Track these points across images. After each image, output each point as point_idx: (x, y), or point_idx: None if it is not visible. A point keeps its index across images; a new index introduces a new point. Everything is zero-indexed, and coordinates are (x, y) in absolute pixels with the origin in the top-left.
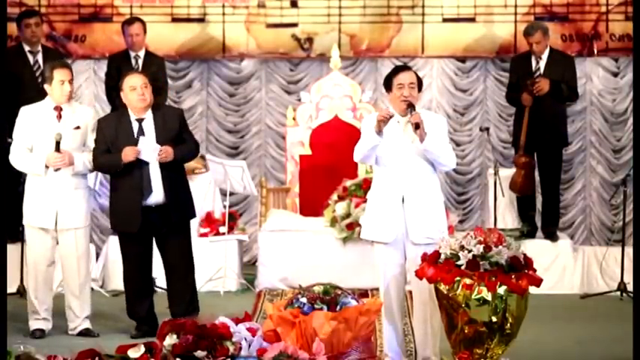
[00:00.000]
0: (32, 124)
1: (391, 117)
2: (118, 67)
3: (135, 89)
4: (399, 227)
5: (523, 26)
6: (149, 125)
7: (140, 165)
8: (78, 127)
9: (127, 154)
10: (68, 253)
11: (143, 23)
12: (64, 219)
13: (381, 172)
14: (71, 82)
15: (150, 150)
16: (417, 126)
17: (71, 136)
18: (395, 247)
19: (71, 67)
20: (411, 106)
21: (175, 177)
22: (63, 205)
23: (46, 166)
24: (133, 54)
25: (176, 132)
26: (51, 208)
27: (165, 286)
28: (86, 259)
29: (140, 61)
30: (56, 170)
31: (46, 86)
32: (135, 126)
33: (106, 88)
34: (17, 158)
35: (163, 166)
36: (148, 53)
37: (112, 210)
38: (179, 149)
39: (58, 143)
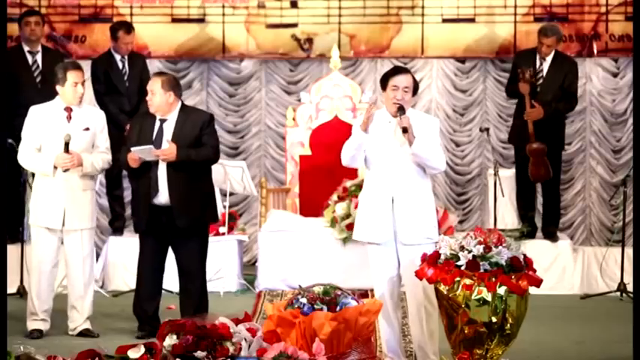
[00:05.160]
0: (41, 124)
1: (373, 104)
2: (105, 70)
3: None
4: (389, 228)
5: (523, 27)
6: (169, 126)
7: (154, 165)
8: (87, 129)
9: (129, 161)
10: (73, 254)
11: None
12: (71, 220)
13: (372, 173)
14: (83, 84)
15: (149, 152)
16: (404, 130)
17: (80, 138)
18: (387, 247)
19: (83, 69)
20: (401, 110)
21: (185, 180)
22: (70, 205)
23: (55, 167)
24: (118, 57)
25: (195, 136)
26: (58, 209)
27: (168, 288)
28: (91, 260)
29: (126, 63)
30: (65, 171)
31: (58, 87)
32: (157, 126)
33: (96, 94)
34: (26, 158)
35: (173, 167)
36: (131, 54)
37: (131, 207)
38: (186, 151)
39: (67, 144)
